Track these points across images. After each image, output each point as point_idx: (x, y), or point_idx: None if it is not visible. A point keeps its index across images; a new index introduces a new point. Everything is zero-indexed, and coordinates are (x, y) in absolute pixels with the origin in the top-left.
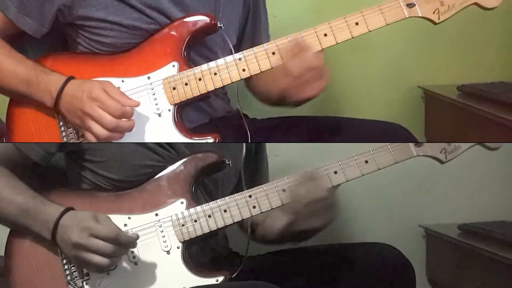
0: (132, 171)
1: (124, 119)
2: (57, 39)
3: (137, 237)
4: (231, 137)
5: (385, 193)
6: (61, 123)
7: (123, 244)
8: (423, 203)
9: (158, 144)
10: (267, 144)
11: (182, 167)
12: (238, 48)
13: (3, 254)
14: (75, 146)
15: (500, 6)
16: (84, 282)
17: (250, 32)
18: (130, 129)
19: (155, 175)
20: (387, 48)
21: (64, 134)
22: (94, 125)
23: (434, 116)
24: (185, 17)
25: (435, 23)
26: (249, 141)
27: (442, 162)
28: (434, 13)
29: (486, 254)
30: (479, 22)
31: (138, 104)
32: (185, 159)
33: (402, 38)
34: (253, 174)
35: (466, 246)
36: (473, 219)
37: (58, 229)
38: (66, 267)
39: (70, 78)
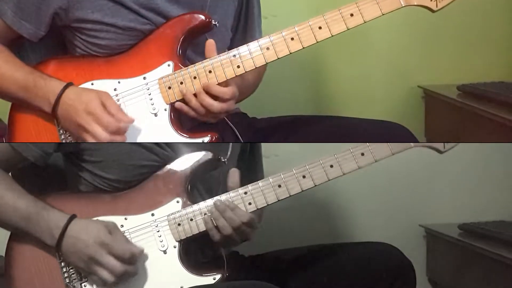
0: (129, 171)
1: (117, 135)
2: (58, 42)
3: (142, 251)
4: (230, 136)
5: (385, 193)
6: (60, 127)
7: (133, 263)
8: (423, 203)
9: (155, 143)
10: (267, 144)
11: (177, 167)
12: (231, 43)
13: (3, 254)
14: (72, 147)
15: (500, 5)
16: (83, 284)
17: (243, 26)
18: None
19: (152, 175)
20: (387, 48)
21: (63, 137)
22: (89, 139)
23: (434, 116)
24: (179, 16)
25: (433, 11)
26: (241, 141)
27: (440, 152)
28: (431, 0)
29: (486, 254)
30: (479, 22)
31: (132, 121)
32: (180, 158)
33: (402, 38)
34: (248, 173)
35: (466, 246)
36: (473, 219)
37: (66, 238)
38: (64, 270)
39: (69, 85)
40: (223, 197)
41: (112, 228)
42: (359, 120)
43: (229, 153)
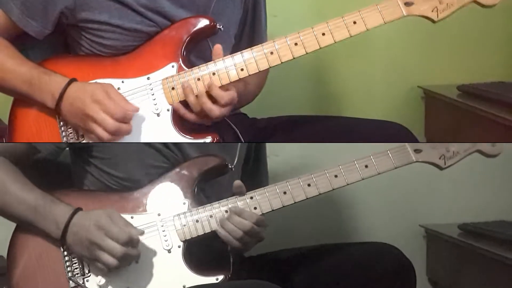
0: (138, 170)
1: (124, 123)
2: (58, 41)
3: (142, 233)
4: (231, 137)
5: (386, 193)
6: (61, 123)
7: (134, 246)
8: (423, 203)
9: (165, 145)
10: (267, 144)
11: (185, 169)
12: (237, 47)
13: (4, 254)
14: (82, 146)
15: (500, 6)
16: (85, 279)
17: (249, 35)
18: (128, 133)
19: (159, 177)
20: (387, 48)
21: (64, 134)
22: (96, 128)
23: (434, 116)
24: (184, 19)
25: (434, 22)
26: (243, 141)
27: (441, 168)
28: (432, 11)
29: (486, 254)
30: (479, 22)
31: (137, 109)
32: (188, 162)
33: (402, 38)
34: (252, 175)
35: (466, 246)
36: (473, 219)
37: (70, 228)
38: (67, 264)
39: (72, 80)
40: (229, 200)
41: (111, 213)
42: (359, 120)
43: (236, 159)
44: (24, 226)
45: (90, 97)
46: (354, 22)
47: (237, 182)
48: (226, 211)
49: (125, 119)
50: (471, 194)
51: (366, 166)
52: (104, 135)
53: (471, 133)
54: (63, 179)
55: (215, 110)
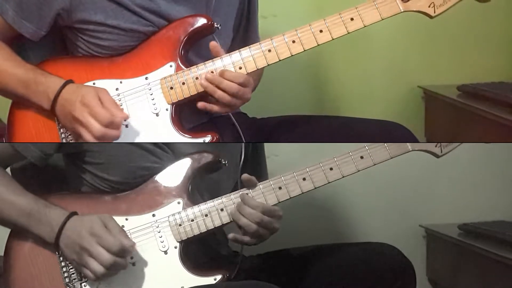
0: (130, 173)
1: (111, 129)
2: (58, 42)
3: (134, 244)
4: (230, 137)
5: (386, 193)
6: (60, 125)
7: (124, 256)
8: (423, 203)
9: (155, 145)
10: (267, 144)
11: (178, 168)
12: (232, 42)
13: (2, 254)
14: (73, 148)
15: (500, 6)
16: (82, 284)
17: (245, 27)
18: (116, 138)
19: (152, 176)
20: (387, 48)
21: (63, 136)
22: (83, 131)
23: (434, 116)
24: (182, 18)
25: (431, 17)
26: (244, 141)
27: (437, 156)
28: (429, 6)
29: (486, 254)
30: (479, 22)
31: (127, 117)
32: (181, 160)
33: (402, 38)
34: (251, 174)
35: (466, 246)
36: (473, 219)
37: (64, 232)
38: (64, 269)
39: (68, 82)
40: (223, 198)
41: (107, 221)
42: (359, 120)
43: (229, 155)
44: (18, 231)
45: (80, 99)
46: (352, 19)
47: (246, 176)
48: (222, 209)
49: (111, 125)
50: (471, 194)
51: (362, 157)
52: (90, 139)
53: (471, 133)
54: (61, 184)
55: (235, 87)
